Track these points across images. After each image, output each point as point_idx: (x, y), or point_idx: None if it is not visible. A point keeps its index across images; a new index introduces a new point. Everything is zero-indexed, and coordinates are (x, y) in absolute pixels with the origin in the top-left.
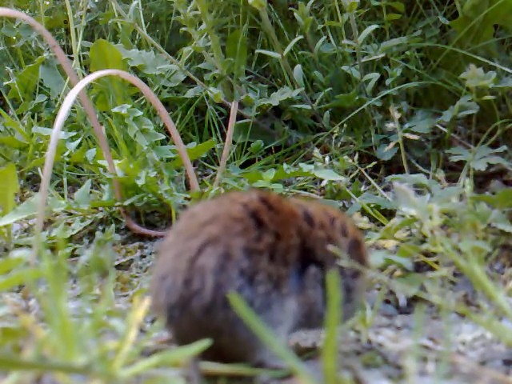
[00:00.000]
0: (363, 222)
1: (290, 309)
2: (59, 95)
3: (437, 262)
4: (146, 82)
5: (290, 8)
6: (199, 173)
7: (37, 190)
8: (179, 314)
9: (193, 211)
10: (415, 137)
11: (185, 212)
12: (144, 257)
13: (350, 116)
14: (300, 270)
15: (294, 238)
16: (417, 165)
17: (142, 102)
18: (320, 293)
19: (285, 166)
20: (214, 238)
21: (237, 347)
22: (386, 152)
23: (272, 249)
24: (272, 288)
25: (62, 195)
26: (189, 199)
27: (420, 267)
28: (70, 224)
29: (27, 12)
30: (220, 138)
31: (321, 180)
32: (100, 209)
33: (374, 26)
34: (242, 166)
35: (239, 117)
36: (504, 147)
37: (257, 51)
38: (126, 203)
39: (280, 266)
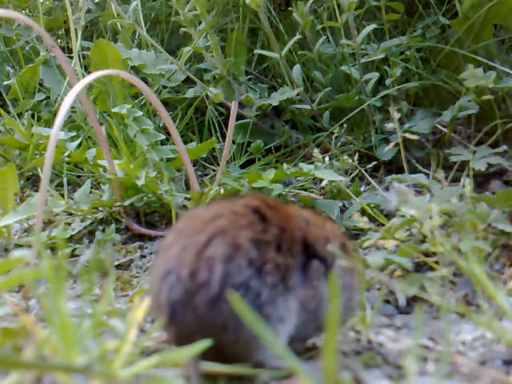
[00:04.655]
0: (363, 221)
1: (294, 307)
2: (59, 95)
3: (437, 262)
4: (146, 82)
5: (289, 8)
6: (199, 173)
7: (37, 190)
8: (182, 310)
9: (193, 212)
10: (415, 137)
11: (185, 213)
12: (144, 257)
13: (349, 116)
14: (304, 264)
15: (297, 231)
16: (417, 165)
17: (142, 102)
18: (325, 288)
19: (285, 165)
20: (222, 230)
21: (239, 346)
22: (386, 152)
23: (278, 240)
24: (279, 280)
25: (62, 195)
26: (189, 199)
27: (420, 267)
28: (69, 224)
29: (27, 12)
30: (220, 138)
31: (321, 180)
32: (100, 209)
33: (372, 26)
34: (242, 166)
35: (239, 117)
36: (504, 147)
37: (256, 51)
38: (126, 203)
39: (287, 257)
